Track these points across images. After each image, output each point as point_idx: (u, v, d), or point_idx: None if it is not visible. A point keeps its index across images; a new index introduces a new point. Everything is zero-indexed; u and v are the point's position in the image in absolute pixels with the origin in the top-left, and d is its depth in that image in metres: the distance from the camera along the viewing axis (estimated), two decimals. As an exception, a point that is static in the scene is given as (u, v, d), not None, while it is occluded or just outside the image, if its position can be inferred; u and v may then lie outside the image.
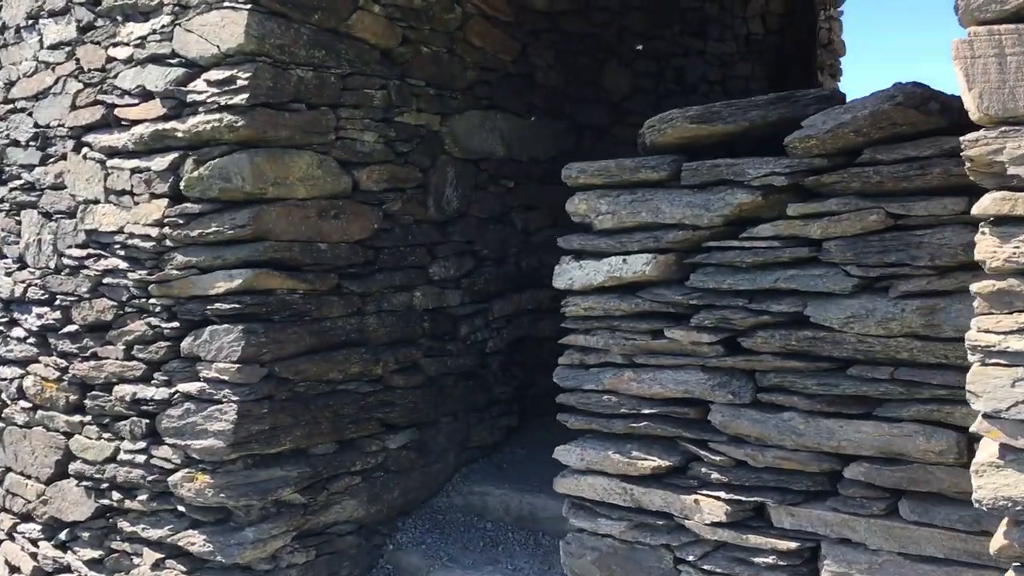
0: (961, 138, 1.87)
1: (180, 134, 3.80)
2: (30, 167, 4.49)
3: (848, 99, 2.75)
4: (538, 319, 5.45)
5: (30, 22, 4.52)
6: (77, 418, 4.20)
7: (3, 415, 4.64)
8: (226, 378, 3.67)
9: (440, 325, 4.65)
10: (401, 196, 4.37)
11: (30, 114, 4.49)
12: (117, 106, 4.11)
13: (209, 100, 3.72)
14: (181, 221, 3.81)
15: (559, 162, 5.62)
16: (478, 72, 4.83)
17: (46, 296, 4.35)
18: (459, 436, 4.81)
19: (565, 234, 5.79)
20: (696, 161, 2.87)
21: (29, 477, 4.43)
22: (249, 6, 3.60)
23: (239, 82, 3.64)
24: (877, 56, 25.27)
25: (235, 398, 3.65)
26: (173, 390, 3.85)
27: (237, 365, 3.65)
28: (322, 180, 3.95)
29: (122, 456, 3.98)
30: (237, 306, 3.69)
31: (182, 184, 3.81)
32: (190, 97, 3.78)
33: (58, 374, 4.26)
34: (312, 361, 3.91)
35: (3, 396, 4.63)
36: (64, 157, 4.30)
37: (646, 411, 2.92)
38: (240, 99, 3.64)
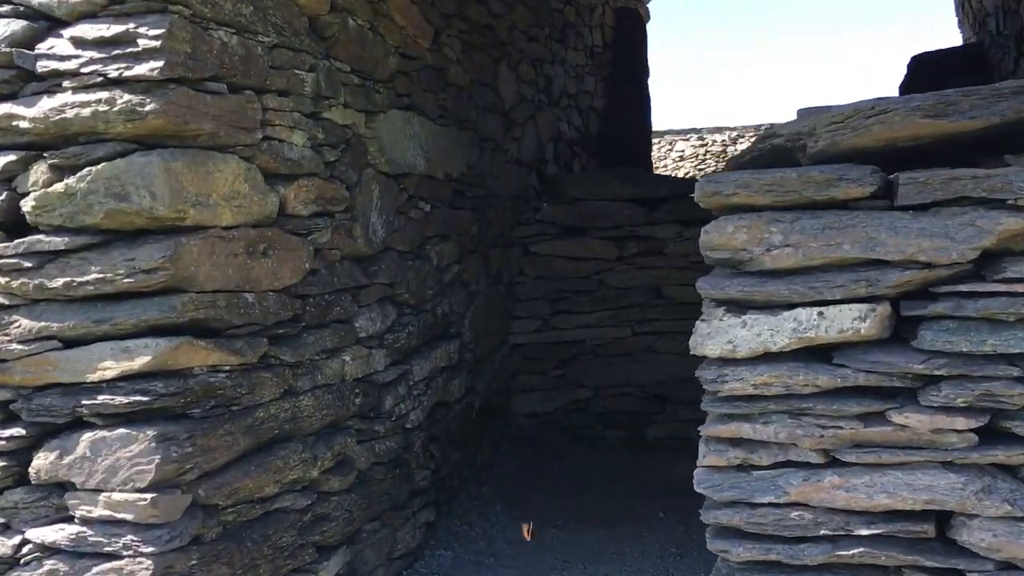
0: None
1: (24, 124, 2.47)
2: None
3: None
4: (449, 379, 4.49)
5: None
6: None
7: None
8: (129, 516, 2.38)
9: (368, 398, 3.58)
10: (330, 223, 3.26)
11: None
12: None
13: (85, 70, 2.43)
14: (27, 264, 2.47)
15: (466, 182, 4.78)
16: (399, 59, 3.84)
17: None
18: (386, 546, 3.74)
19: (471, 270, 4.96)
20: (904, 172, 2.16)
21: None
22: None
23: (143, 42, 2.40)
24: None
25: (148, 549, 2.37)
26: (18, 540, 2.46)
27: (150, 495, 2.37)
28: (249, 199, 2.77)
29: (-88, 659, 2.48)
30: (142, 398, 2.42)
31: (28, 204, 2.47)
32: (45, 65, 2.46)
33: None
34: (248, 473, 2.70)
35: None
36: None
37: (863, 531, 2.16)
38: (147, 70, 2.40)
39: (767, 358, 2.21)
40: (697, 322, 2.29)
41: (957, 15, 9.16)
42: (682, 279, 5.42)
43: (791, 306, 2.20)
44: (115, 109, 2.40)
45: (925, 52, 8.12)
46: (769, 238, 2.21)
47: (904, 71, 7.92)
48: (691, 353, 2.30)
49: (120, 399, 2.41)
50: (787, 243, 2.19)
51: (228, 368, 2.68)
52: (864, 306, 2.13)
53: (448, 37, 4.42)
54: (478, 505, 4.74)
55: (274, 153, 2.91)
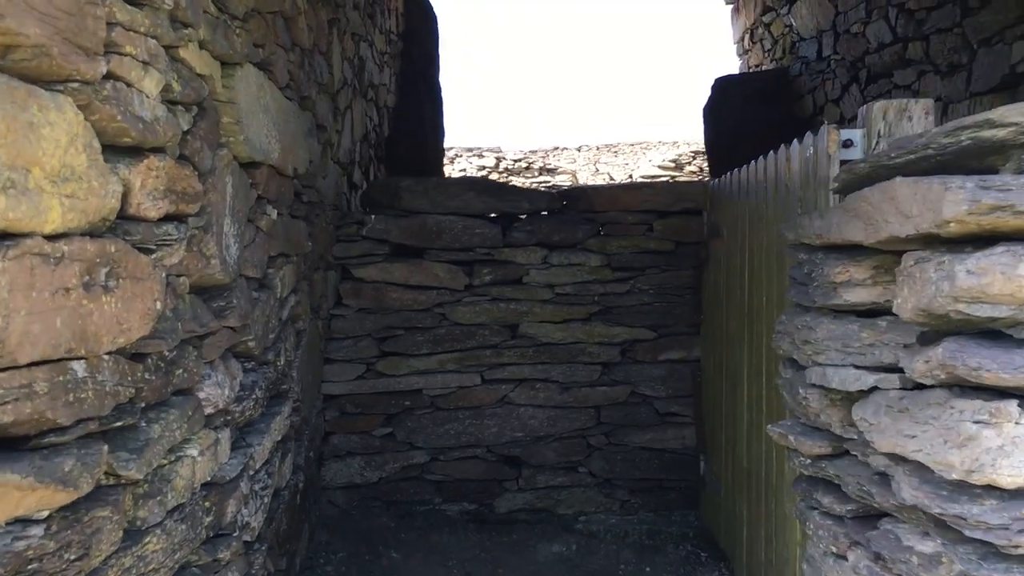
0: None
1: None
2: None
3: None
4: (284, 455, 3.29)
5: None
6: None
7: None
8: None
9: (214, 511, 2.33)
10: (184, 233, 2.03)
11: None
12: None
13: None
14: None
15: (304, 181, 3.57)
16: (255, -8, 2.64)
17: None
18: None
19: (302, 302, 3.70)
20: None
21: None
22: None
23: None
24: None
25: None
26: None
27: None
28: (86, 184, 1.52)
29: None
30: None
31: None
32: None
33: None
34: None
35: None
36: None
37: None
38: None
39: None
40: (969, 426, 1.42)
41: (739, 46, 9.22)
42: (544, 315, 4.56)
43: None
44: None
45: (729, 75, 8.00)
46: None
47: (694, 100, 7.72)
48: (959, 479, 1.42)
49: None
50: None
51: (47, 515, 1.40)
52: None
53: (298, -25, 3.25)
54: (310, 628, 3.53)
55: (121, 105, 1.66)
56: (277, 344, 3.13)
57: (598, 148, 20.34)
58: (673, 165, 17.22)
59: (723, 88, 7.70)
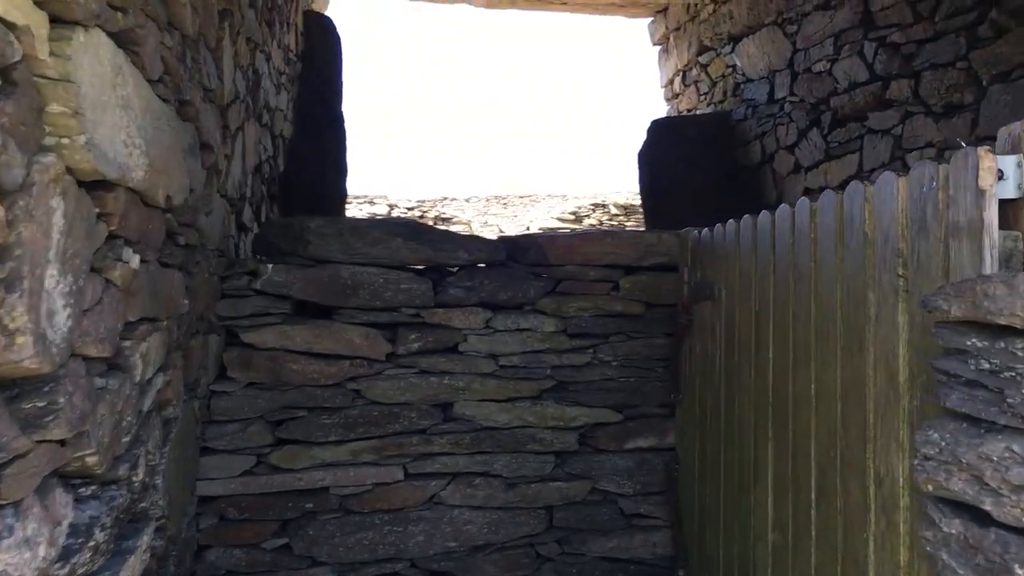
0: None
1: None
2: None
3: None
4: (139, 606, 2.33)
5: None
6: None
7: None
8: None
9: None
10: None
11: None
12: None
13: None
14: None
15: (180, 218, 2.65)
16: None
17: None
18: None
19: (175, 381, 2.74)
20: None
21: None
22: None
23: None
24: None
25: None
26: None
27: None
28: None
29: None
30: None
31: None
32: None
33: None
34: None
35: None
36: None
37: None
38: None
39: None
40: None
41: (667, 89, 8.70)
42: (486, 392, 3.72)
43: None
44: None
45: (667, 118, 7.44)
46: None
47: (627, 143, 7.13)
48: None
49: None
50: None
51: None
52: None
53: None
54: None
55: None
56: (134, 449, 2.20)
57: (487, 200, 20.12)
58: (572, 218, 16.91)
59: (660, 131, 7.11)
